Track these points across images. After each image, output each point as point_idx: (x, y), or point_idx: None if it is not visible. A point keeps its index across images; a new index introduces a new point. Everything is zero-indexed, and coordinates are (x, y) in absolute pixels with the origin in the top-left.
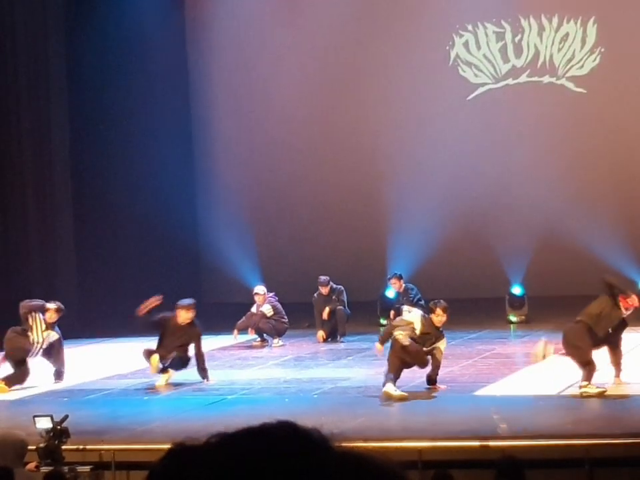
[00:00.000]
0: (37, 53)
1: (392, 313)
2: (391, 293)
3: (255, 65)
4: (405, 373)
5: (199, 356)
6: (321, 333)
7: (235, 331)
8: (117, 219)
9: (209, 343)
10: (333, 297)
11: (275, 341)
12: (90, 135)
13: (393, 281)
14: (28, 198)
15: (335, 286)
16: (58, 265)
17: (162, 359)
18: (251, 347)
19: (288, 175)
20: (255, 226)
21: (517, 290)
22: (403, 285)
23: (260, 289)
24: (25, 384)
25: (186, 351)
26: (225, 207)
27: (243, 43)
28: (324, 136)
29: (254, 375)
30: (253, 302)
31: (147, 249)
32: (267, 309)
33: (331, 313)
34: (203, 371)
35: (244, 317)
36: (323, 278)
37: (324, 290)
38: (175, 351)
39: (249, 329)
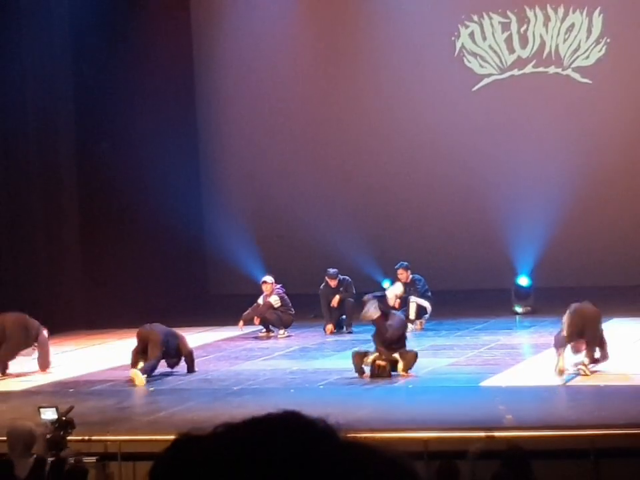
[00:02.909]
0: (43, 60)
1: (397, 302)
2: (387, 285)
3: (257, 61)
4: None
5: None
6: (330, 327)
7: (241, 322)
8: (124, 212)
9: (215, 334)
10: (341, 289)
11: (281, 332)
12: (97, 128)
13: (400, 271)
14: (34, 192)
15: (342, 278)
16: (65, 258)
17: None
18: (256, 338)
19: (293, 167)
20: (261, 217)
21: (523, 281)
22: (410, 276)
23: (268, 278)
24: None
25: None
26: (230, 199)
27: (246, 44)
28: (326, 130)
29: (260, 366)
30: (259, 294)
31: (154, 242)
32: (275, 300)
33: (340, 302)
34: None
35: (250, 309)
36: (332, 271)
37: (332, 282)
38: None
39: (255, 318)
